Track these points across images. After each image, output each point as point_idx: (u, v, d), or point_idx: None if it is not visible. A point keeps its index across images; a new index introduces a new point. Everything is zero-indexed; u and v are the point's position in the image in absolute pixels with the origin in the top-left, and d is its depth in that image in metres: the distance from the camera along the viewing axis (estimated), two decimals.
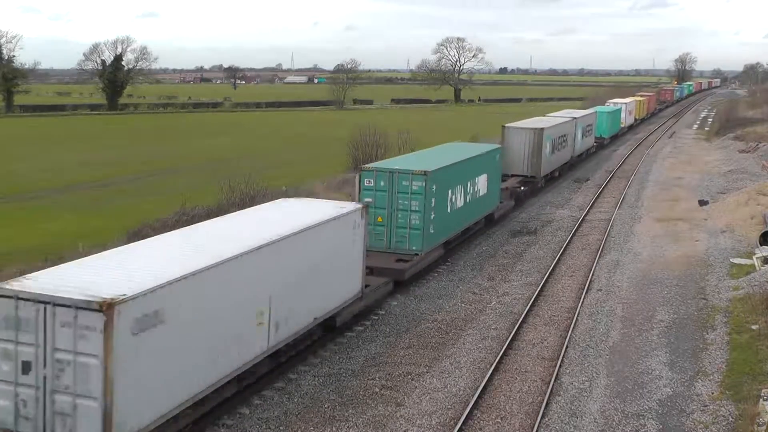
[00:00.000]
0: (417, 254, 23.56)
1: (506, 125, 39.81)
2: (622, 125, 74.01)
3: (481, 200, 29.44)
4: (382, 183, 23.56)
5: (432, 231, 24.12)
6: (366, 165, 24.85)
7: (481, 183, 29.31)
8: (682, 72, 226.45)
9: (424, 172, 23.44)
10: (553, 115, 50.26)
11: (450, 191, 25.68)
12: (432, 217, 23.96)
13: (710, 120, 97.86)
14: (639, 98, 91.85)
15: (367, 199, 22.97)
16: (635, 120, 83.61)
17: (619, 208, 37.74)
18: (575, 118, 48.91)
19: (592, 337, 19.98)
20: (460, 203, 26.77)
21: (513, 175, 38.31)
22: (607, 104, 76.27)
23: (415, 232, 23.52)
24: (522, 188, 37.41)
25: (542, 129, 39.11)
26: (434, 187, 23.87)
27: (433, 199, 23.84)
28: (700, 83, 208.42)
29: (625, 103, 77.54)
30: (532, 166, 39.10)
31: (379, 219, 23.48)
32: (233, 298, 13.85)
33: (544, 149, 39.29)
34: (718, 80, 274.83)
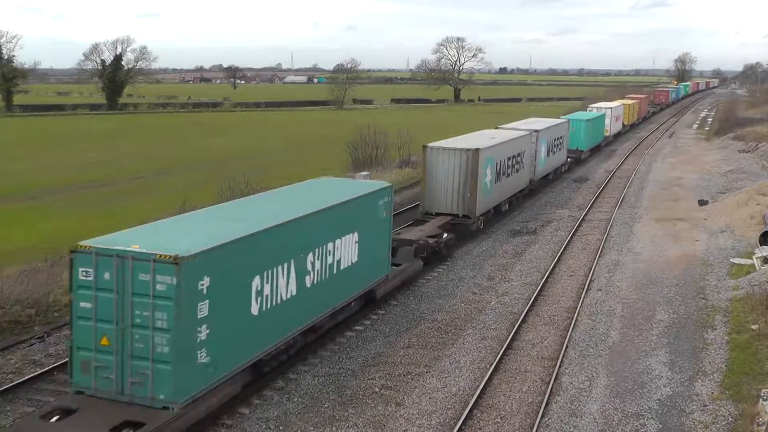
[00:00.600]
0: (168, 407, 12.98)
1: (429, 145, 29.07)
2: (607, 134, 63.98)
3: (346, 275, 18.77)
4: (106, 276, 13.04)
5: (204, 360, 13.50)
6: (82, 243, 13.37)
7: (346, 248, 18.68)
8: (682, 72, 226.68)
9: (174, 258, 12.65)
10: (507, 127, 39.69)
11: (258, 279, 14.93)
12: (202, 336, 13.35)
13: (710, 120, 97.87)
14: (628, 101, 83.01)
15: (84, 304, 13.22)
16: (623, 126, 75.03)
17: (619, 208, 37.73)
18: (536, 130, 38.49)
19: (591, 337, 19.98)
20: (288, 292, 16.10)
21: (438, 215, 28.84)
22: (589, 109, 66.34)
23: (162, 367, 12.92)
24: (445, 236, 26.68)
25: (478, 150, 28.59)
26: (205, 281, 13.21)
27: (203, 305, 13.25)
28: (697, 83, 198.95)
29: (611, 108, 66.77)
30: (464, 201, 28.79)
31: (104, 341, 13.23)
32: None
33: (482, 177, 29.17)
34: (716, 80, 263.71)
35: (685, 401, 16.26)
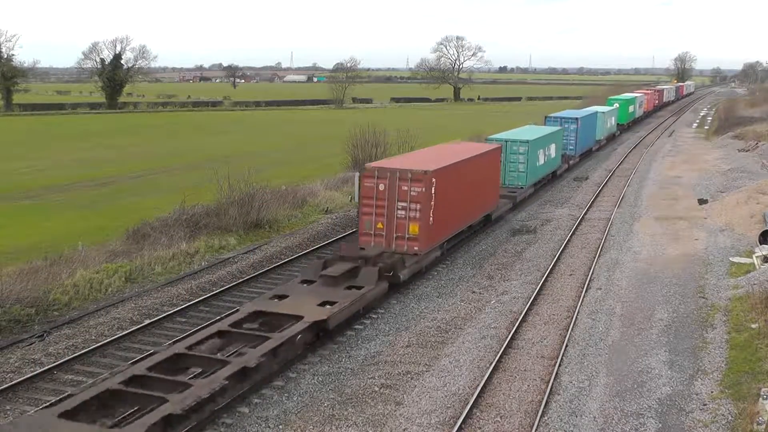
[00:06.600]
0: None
1: None
2: None
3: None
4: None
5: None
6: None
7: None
8: (681, 71, 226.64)
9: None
10: None
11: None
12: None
13: (709, 119, 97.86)
14: None
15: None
16: None
17: (619, 207, 37.72)
18: None
19: (591, 335, 19.98)
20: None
21: None
22: None
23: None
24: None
25: None
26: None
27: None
28: (660, 92, 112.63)
29: None
30: None
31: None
32: None
33: None
34: (691, 83, 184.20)
35: (684, 400, 16.25)
